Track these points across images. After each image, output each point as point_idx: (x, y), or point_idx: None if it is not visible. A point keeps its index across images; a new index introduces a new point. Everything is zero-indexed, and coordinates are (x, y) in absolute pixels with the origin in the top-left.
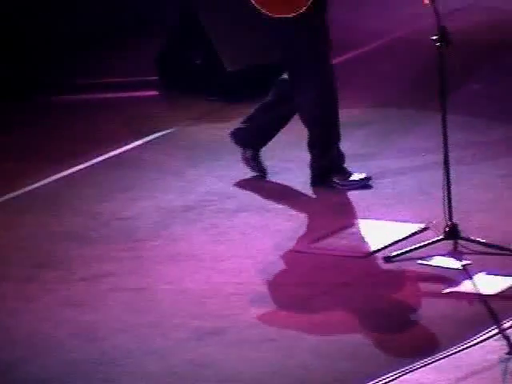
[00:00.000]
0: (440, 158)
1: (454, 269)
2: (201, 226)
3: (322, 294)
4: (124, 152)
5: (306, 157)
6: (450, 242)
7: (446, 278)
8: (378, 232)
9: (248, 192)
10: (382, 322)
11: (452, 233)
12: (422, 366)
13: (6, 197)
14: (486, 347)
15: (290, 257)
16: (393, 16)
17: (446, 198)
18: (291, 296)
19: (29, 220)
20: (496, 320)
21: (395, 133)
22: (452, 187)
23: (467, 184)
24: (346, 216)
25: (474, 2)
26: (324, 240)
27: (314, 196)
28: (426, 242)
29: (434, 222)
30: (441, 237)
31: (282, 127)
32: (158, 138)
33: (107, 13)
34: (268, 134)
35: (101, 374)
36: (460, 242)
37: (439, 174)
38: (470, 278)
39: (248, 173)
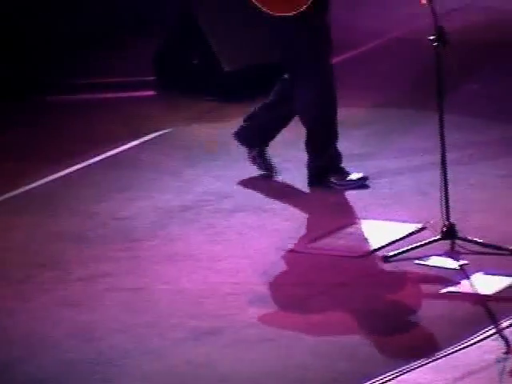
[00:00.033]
0: (438, 157)
1: (451, 269)
2: (198, 226)
3: (320, 294)
4: (121, 152)
5: (304, 156)
6: (448, 242)
7: (444, 278)
8: (376, 232)
9: (245, 192)
10: (379, 322)
11: (449, 233)
12: (419, 366)
13: (4, 197)
14: (483, 347)
15: (288, 257)
16: (390, 16)
17: (443, 198)
18: (289, 296)
19: (25, 220)
20: (493, 320)
21: (393, 133)
22: (449, 187)
23: (465, 184)
24: (344, 216)
25: (470, 1)
26: (321, 240)
27: (311, 196)
28: (423, 242)
29: (432, 221)
30: (438, 237)
31: (284, 126)
32: (155, 137)
33: (107, 13)
34: (269, 133)
35: (98, 374)
36: (457, 242)
37: (437, 173)
38: (468, 278)
39: (246, 173)
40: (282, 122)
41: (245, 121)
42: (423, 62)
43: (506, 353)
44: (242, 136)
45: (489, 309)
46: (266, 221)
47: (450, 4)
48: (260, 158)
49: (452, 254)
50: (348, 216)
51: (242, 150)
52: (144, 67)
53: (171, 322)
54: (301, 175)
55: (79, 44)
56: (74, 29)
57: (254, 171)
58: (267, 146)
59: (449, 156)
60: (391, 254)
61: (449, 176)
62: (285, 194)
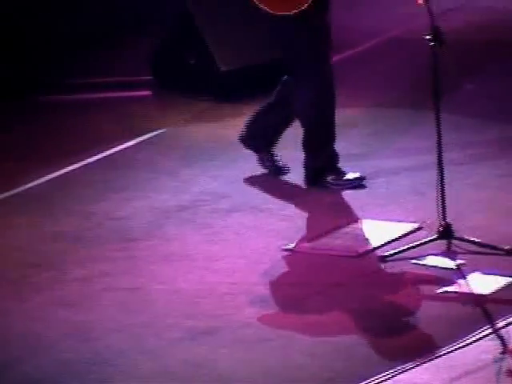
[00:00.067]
0: (435, 157)
1: (447, 268)
2: (194, 226)
3: (317, 294)
4: (118, 152)
5: (301, 156)
6: (444, 241)
7: (440, 277)
8: (372, 232)
9: (242, 192)
10: (376, 322)
11: (446, 232)
12: (415, 366)
13: (2, 196)
14: (480, 347)
15: (284, 257)
16: (386, 16)
17: (439, 198)
18: (285, 296)
19: (22, 220)
20: (490, 320)
21: (391, 133)
22: (446, 187)
23: (461, 184)
24: (340, 216)
25: (466, 1)
26: (318, 240)
27: (308, 196)
28: (419, 242)
29: (428, 221)
30: (434, 236)
31: (288, 127)
32: (151, 137)
33: (107, 13)
34: (274, 135)
35: (94, 374)
36: (454, 241)
37: (434, 173)
38: (464, 277)
39: (243, 173)
40: (286, 123)
41: (248, 125)
42: (422, 62)
43: (503, 353)
44: (248, 141)
45: (485, 308)
46: (263, 221)
47: (446, 4)
48: (268, 161)
49: (448, 253)
50: (345, 216)
51: (239, 150)
52: (144, 67)
53: (167, 322)
54: (298, 175)
55: (79, 44)
56: (74, 29)
57: (250, 171)
58: (274, 147)
59: (447, 156)
60: (388, 253)
61: (446, 176)
62: (282, 193)
